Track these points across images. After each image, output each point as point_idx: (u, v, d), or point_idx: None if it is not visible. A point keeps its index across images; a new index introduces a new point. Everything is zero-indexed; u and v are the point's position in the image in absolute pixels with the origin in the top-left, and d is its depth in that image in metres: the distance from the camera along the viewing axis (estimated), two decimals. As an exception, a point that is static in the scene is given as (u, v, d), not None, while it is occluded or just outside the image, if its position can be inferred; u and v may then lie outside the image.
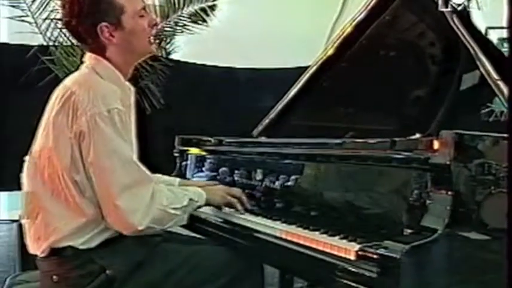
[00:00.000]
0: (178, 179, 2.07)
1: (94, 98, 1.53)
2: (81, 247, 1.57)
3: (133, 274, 1.58)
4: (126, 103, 1.63)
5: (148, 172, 1.61)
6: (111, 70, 1.66)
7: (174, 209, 1.61)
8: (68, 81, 1.67)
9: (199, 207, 1.74)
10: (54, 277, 1.60)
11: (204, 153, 2.30)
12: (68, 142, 1.53)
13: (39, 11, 3.52)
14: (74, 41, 3.63)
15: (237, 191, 1.84)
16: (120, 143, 1.54)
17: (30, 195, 1.66)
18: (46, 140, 1.60)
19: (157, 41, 3.54)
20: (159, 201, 1.58)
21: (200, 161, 2.32)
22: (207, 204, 1.77)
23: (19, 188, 3.23)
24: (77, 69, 1.75)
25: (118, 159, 1.53)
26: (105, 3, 1.63)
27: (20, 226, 2.93)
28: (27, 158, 1.69)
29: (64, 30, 3.55)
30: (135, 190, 1.54)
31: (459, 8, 1.77)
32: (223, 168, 2.14)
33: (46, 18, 3.53)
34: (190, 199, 1.68)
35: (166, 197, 1.61)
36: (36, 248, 1.65)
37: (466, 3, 1.79)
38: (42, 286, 1.68)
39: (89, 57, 1.69)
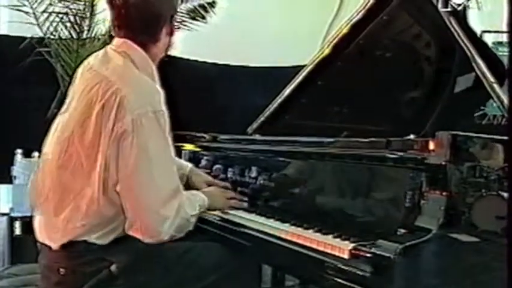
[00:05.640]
0: (190, 165, 2.01)
1: (141, 98, 1.48)
2: (95, 242, 1.52)
3: (133, 272, 1.54)
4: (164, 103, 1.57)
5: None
6: (146, 61, 1.60)
7: (192, 216, 1.58)
8: (104, 70, 1.55)
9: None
10: (61, 270, 1.53)
11: (198, 149, 2.29)
12: (106, 141, 1.46)
13: (37, 2, 3.48)
14: (74, 34, 3.59)
15: (232, 194, 1.85)
16: (164, 144, 1.50)
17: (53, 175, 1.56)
18: (82, 130, 1.51)
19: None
20: (184, 210, 1.54)
21: (194, 157, 2.30)
22: (208, 209, 1.74)
23: (10, 182, 3.19)
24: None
25: (159, 164, 1.48)
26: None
27: (11, 219, 2.92)
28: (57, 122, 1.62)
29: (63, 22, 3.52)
30: (169, 198, 1.50)
31: (459, 8, 1.77)
32: (217, 165, 2.13)
33: (44, 11, 3.49)
34: (199, 205, 1.65)
35: (188, 204, 1.58)
36: (49, 238, 1.57)
37: (466, 3, 1.79)
38: (44, 278, 1.60)
39: (123, 43, 1.59)
